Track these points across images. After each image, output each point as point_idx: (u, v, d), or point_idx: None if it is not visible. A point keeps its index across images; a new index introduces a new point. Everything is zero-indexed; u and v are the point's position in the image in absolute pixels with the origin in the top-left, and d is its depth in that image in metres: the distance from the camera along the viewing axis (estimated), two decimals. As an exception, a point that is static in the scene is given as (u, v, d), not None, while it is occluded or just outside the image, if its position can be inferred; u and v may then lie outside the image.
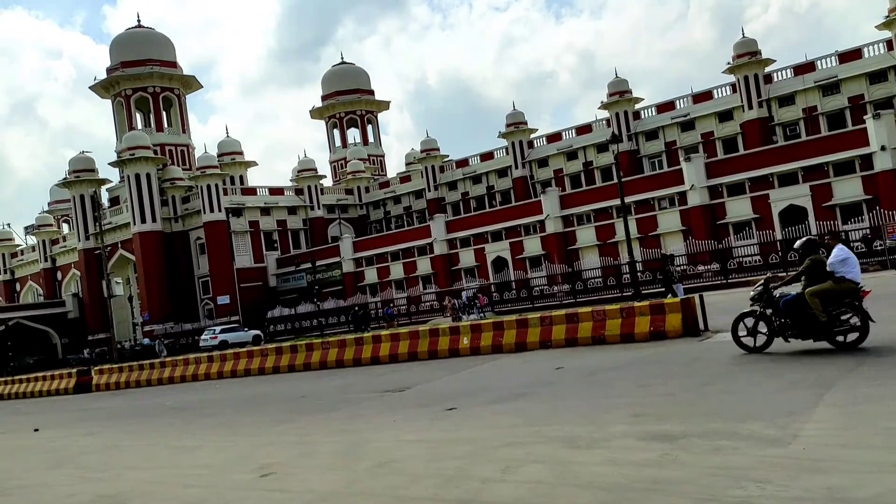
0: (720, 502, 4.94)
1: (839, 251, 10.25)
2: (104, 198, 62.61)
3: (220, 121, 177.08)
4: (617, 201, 40.62)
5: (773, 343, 10.72)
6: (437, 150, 62.65)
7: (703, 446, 6.33)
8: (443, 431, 8.84)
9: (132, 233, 57.40)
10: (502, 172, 58.50)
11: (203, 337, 47.14)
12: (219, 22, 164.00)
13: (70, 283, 67.93)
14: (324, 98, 74.06)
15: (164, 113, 62.51)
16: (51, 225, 71.27)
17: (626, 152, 49.88)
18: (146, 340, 53.23)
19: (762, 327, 10.81)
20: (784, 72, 46.69)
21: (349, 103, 72.97)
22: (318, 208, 62.79)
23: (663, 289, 22.98)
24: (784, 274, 11.78)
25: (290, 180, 66.49)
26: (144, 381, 24.93)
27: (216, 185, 56.33)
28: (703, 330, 14.69)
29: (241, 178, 65.75)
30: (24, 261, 74.84)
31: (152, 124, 61.53)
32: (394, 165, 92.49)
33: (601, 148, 53.37)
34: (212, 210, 56.12)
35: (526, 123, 57.50)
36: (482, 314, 35.22)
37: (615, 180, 45.35)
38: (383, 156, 75.57)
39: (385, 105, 77.20)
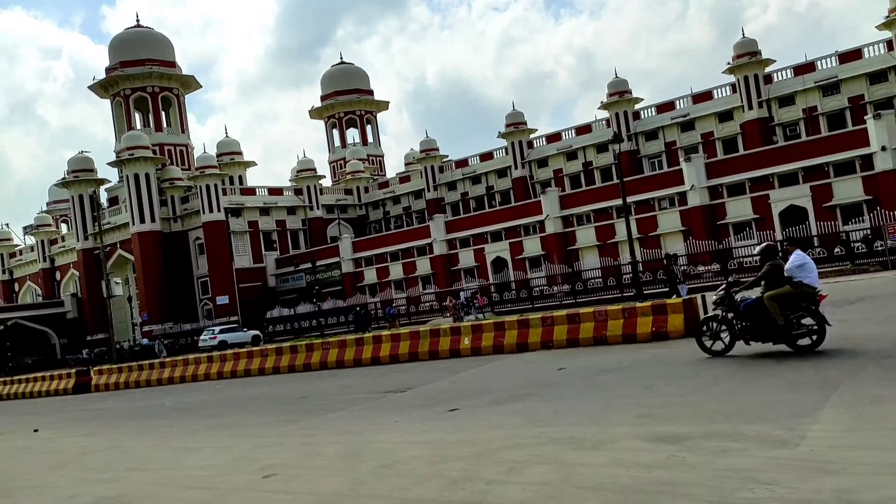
0: (729, 505, 4.91)
1: (796, 257, 10.59)
2: (103, 198, 62.52)
3: (219, 121, 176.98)
4: (616, 201, 40.67)
5: (735, 346, 11.03)
6: (437, 150, 62.61)
7: (710, 448, 6.29)
8: (446, 432, 8.80)
9: (131, 233, 57.30)
10: (502, 173, 58.45)
11: (202, 337, 47.08)
12: (218, 22, 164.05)
13: (69, 284, 67.83)
14: (323, 98, 74.02)
15: (163, 113, 62.42)
16: (49, 225, 71.13)
17: (625, 152, 49.86)
18: (145, 341, 53.16)
19: (725, 331, 11.11)
20: (784, 72, 46.66)
21: (348, 103, 72.93)
22: (318, 208, 62.73)
23: (667, 289, 22.99)
24: (746, 279, 12.14)
25: (290, 180, 66.43)
26: (144, 381, 24.89)
27: (215, 186, 56.24)
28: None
29: (241, 178, 65.68)
30: (23, 261, 74.73)
31: (151, 124, 61.44)
32: (393, 166, 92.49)
33: (601, 148, 53.37)
34: (211, 210, 56.04)
35: (525, 123, 57.44)
36: (480, 315, 35.17)
37: (615, 180, 45.49)
38: (382, 156, 75.54)
39: (384, 105, 77.17)
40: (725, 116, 48.53)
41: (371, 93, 75.00)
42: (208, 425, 12.82)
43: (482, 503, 5.69)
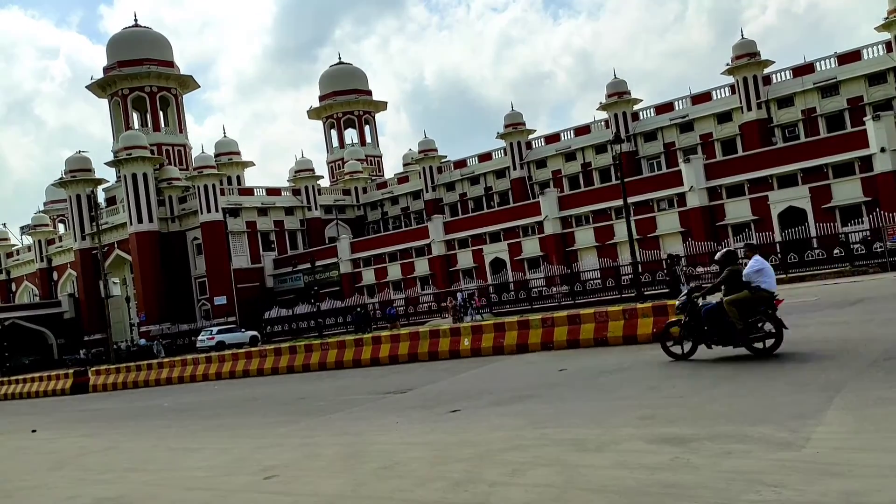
0: (736, 507, 4.87)
1: (755, 262, 10.88)
2: (100, 198, 62.40)
3: (218, 121, 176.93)
4: (615, 202, 40.67)
5: (697, 350, 11.32)
6: (435, 150, 62.60)
7: (714, 449, 6.24)
8: (447, 434, 8.75)
9: (129, 233, 57.21)
10: (500, 173, 58.43)
11: (200, 338, 47.02)
12: (216, 22, 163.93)
13: (66, 284, 67.70)
14: (321, 98, 73.99)
15: (160, 113, 62.34)
16: (47, 225, 71.01)
17: (624, 153, 49.79)
18: (143, 341, 53.09)
19: (688, 335, 11.41)
20: (783, 73, 46.69)
21: (346, 104, 72.91)
22: (316, 209, 62.66)
23: (668, 290, 23.02)
24: (706, 284, 12.54)
25: (288, 181, 66.36)
26: (142, 381, 24.81)
27: (213, 186, 56.17)
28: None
29: (238, 178, 65.60)
30: (20, 261, 74.60)
31: (149, 124, 61.37)
32: (391, 166, 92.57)
33: (600, 149, 53.37)
34: (209, 210, 55.97)
35: (524, 124, 57.45)
36: (478, 316, 35.08)
37: (614, 181, 45.48)
38: (381, 156, 75.52)
39: (383, 105, 77.16)
40: (724, 117, 48.55)
41: (369, 93, 75.00)
42: (207, 426, 12.76)
43: (485, 505, 5.65)
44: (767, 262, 11.16)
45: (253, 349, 25.41)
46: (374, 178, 69.50)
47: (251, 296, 56.98)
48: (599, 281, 40.29)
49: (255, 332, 48.32)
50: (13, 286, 75.46)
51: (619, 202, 37.33)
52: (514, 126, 56.83)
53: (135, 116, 62.23)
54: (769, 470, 5.51)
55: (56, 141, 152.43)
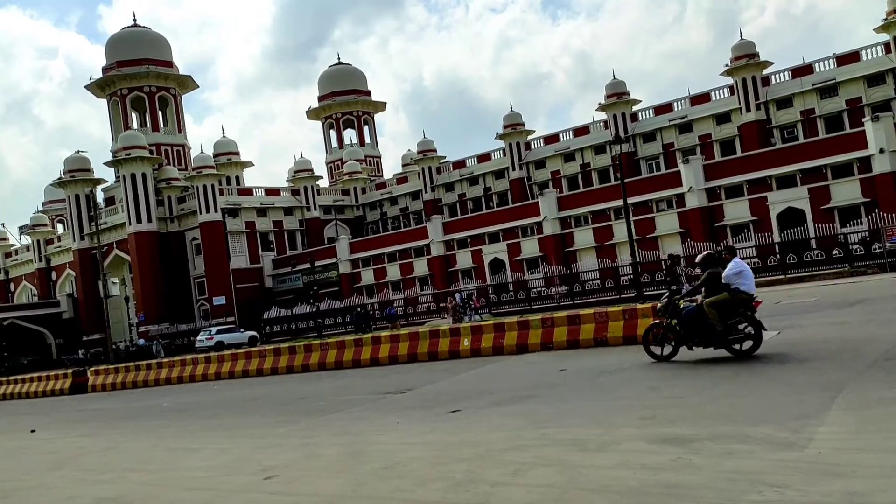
0: (739, 507, 4.86)
1: (734, 264, 11.03)
2: (99, 198, 62.37)
3: (217, 121, 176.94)
4: (614, 203, 40.70)
5: (679, 352, 11.46)
6: (434, 151, 62.60)
7: (716, 450, 6.23)
8: (447, 434, 8.72)
9: (128, 233, 57.17)
10: (499, 174, 58.44)
11: (199, 338, 47.01)
12: (215, 22, 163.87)
13: (64, 284, 67.64)
14: (320, 99, 73.97)
15: (159, 113, 62.30)
16: (45, 225, 70.95)
17: (623, 154, 49.77)
18: (142, 341, 53.05)
19: (670, 337, 11.58)
20: (782, 74, 46.72)
21: (345, 104, 72.90)
22: (315, 209, 62.64)
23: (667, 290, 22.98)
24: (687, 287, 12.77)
25: (287, 181, 66.35)
26: (141, 381, 24.76)
27: (212, 186, 56.14)
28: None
29: (237, 178, 65.60)
30: (19, 261, 74.51)
31: (148, 124, 61.34)
32: (390, 166, 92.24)
33: (598, 150, 53.40)
34: (208, 210, 55.94)
35: (523, 125, 57.46)
36: (477, 316, 35.05)
37: (613, 182, 45.49)
38: (380, 157, 75.52)
39: (381, 106, 77.16)
40: (723, 118, 48.58)
41: (368, 93, 74.99)
42: (206, 426, 12.73)
43: (487, 505, 5.63)
44: (746, 265, 11.33)
45: (252, 349, 25.38)
46: (373, 178, 69.50)
47: (250, 296, 56.95)
48: (598, 281, 40.31)
49: (254, 333, 48.30)
50: (12, 286, 75.37)
51: (619, 203, 37.38)
52: (513, 127, 56.84)
53: (134, 116, 62.19)
54: (771, 470, 5.49)
55: (55, 141, 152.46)
